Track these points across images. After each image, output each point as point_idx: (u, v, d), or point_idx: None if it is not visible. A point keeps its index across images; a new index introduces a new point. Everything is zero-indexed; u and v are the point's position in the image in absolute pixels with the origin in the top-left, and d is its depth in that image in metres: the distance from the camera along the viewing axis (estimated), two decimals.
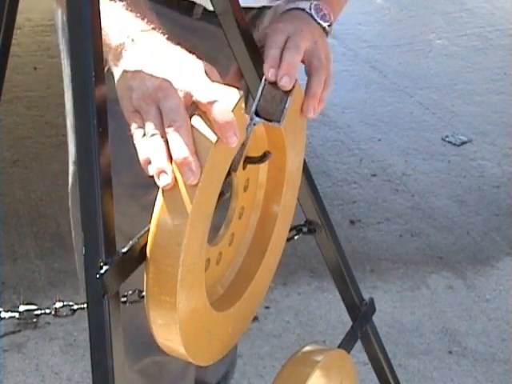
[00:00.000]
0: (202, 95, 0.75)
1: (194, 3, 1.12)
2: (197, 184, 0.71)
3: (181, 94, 0.75)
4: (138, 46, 0.80)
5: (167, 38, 0.82)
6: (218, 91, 0.75)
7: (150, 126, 0.74)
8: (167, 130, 0.73)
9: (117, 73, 0.81)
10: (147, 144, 0.74)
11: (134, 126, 0.77)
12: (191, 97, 0.75)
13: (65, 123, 1.26)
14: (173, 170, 0.72)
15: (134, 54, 0.79)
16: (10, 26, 0.89)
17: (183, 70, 0.77)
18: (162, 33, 0.83)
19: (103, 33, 0.80)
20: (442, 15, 4.54)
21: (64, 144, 1.27)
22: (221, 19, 0.90)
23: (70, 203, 1.29)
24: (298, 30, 0.97)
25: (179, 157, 0.71)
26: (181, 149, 0.71)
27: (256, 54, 0.93)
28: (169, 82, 0.75)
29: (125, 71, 0.79)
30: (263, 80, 0.82)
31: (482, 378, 2.09)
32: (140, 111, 0.76)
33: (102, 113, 0.71)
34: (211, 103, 0.74)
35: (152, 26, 0.83)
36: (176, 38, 0.83)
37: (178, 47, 0.82)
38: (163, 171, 0.72)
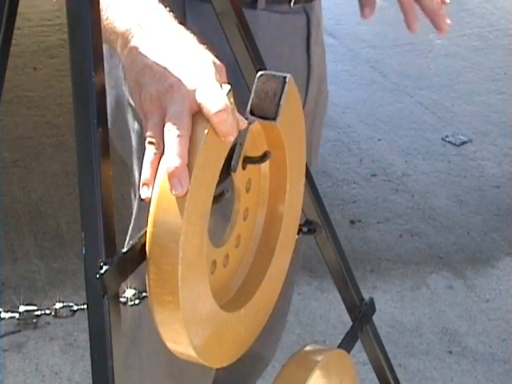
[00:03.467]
0: (208, 105, 0.72)
1: None
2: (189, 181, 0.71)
3: (188, 100, 0.73)
4: (145, 31, 0.78)
5: (175, 20, 0.80)
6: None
7: (149, 133, 0.74)
8: (165, 135, 0.72)
9: (126, 62, 0.79)
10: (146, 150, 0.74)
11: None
12: (197, 102, 0.73)
13: (65, 123, 1.25)
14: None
15: (141, 41, 0.77)
16: (10, 26, 0.88)
17: (193, 67, 0.75)
18: (170, 15, 0.80)
19: (110, 20, 0.79)
20: None
21: (64, 144, 1.27)
22: (221, 19, 0.90)
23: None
24: None
25: (170, 167, 0.70)
26: (173, 159, 0.70)
27: (256, 53, 0.93)
28: (178, 84, 0.74)
29: (134, 61, 0.77)
30: (256, 78, 0.81)
31: (482, 378, 2.09)
32: (147, 114, 0.76)
33: (102, 113, 0.71)
34: (215, 115, 0.72)
35: (159, 7, 0.81)
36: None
37: (187, 33, 0.79)
38: (145, 184, 0.73)
